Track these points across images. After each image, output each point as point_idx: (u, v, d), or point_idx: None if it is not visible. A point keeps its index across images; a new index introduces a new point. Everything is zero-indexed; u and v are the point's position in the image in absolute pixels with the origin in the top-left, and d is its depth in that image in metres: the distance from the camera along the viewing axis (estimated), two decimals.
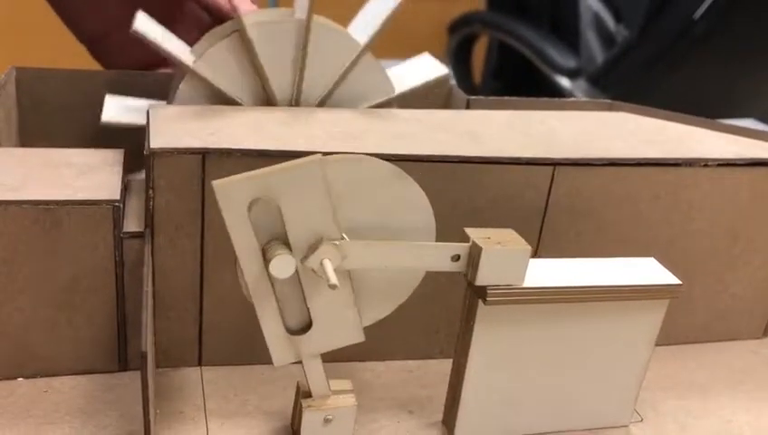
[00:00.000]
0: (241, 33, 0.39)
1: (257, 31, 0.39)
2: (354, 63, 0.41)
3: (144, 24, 0.39)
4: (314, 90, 0.41)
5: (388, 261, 0.30)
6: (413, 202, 0.31)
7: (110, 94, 0.43)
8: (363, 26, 0.42)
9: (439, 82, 0.44)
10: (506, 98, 0.46)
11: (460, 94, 0.46)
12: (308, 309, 0.31)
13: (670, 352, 0.42)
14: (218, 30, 0.41)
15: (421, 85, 0.43)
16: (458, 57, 1.50)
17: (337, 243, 0.29)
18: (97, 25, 0.51)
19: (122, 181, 0.36)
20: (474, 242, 0.31)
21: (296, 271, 0.29)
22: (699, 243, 0.41)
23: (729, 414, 0.38)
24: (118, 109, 0.41)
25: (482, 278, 0.31)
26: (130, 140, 0.40)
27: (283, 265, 0.29)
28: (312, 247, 0.29)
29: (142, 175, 0.40)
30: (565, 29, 1.27)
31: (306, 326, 0.31)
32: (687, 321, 0.43)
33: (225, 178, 0.27)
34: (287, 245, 0.29)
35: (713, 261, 0.42)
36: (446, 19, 1.49)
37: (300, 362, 0.32)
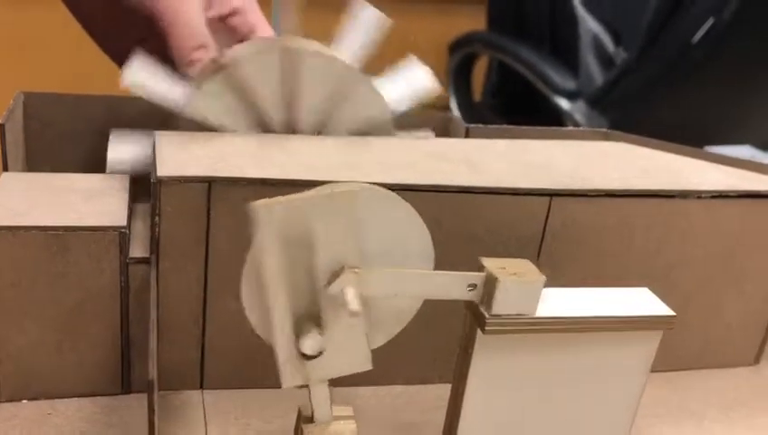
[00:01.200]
0: (230, 71, 0.39)
1: (245, 66, 0.39)
2: (349, 87, 0.41)
3: (132, 76, 0.39)
4: (311, 115, 0.42)
5: (404, 289, 0.31)
6: (413, 230, 0.31)
7: (114, 134, 0.43)
8: (351, 47, 0.42)
9: (433, 95, 0.44)
10: (504, 126, 0.47)
11: (459, 122, 0.47)
12: (321, 335, 0.31)
13: (664, 378, 0.43)
14: (207, 69, 0.41)
15: (413, 100, 0.43)
16: (459, 75, 1.51)
17: (357, 271, 0.30)
18: (122, 48, 0.52)
19: (128, 206, 0.37)
20: (489, 272, 0.31)
21: (316, 296, 0.30)
22: (693, 272, 0.42)
23: None
24: (123, 153, 0.42)
25: (497, 308, 0.31)
26: None
27: (312, 344, 0.30)
28: (335, 274, 0.29)
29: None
30: (565, 51, 1.29)
31: (318, 351, 0.32)
32: (681, 348, 0.44)
33: (267, 200, 0.28)
34: (318, 323, 0.30)
35: (706, 290, 0.42)
36: (447, 38, 1.50)
37: (304, 386, 0.32)
